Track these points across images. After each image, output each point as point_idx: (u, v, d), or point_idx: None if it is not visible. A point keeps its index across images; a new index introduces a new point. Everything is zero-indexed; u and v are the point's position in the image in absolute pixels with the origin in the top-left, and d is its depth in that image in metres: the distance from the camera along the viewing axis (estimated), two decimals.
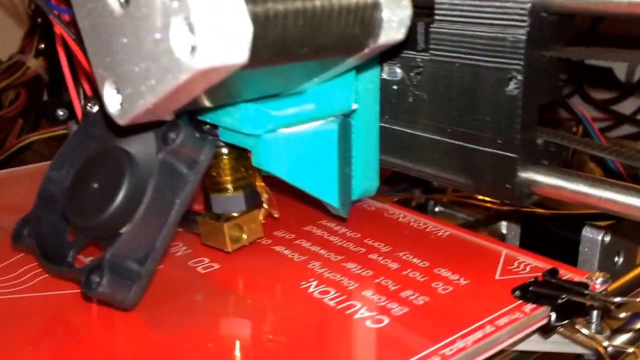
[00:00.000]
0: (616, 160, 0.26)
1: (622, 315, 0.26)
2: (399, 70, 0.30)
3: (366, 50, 0.22)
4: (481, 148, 0.28)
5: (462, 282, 0.27)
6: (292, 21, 0.19)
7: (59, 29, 0.27)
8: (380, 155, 0.32)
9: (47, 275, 0.28)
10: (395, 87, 0.31)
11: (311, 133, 0.27)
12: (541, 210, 0.37)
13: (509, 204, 0.31)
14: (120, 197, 0.26)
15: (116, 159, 0.27)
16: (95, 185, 0.27)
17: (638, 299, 0.27)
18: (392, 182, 0.45)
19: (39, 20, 0.57)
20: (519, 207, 0.28)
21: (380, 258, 0.30)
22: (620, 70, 0.58)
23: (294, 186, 0.27)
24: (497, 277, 0.28)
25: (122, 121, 0.22)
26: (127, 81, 0.21)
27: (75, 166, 0.29)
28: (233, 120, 0.26)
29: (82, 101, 0.36)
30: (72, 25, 0.28)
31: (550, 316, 0.25)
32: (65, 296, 0.27)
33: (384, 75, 0.31)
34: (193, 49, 0.18)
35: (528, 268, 0.28)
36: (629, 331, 0.26)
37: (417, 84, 0.30)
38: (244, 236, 0.30)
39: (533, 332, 0.25)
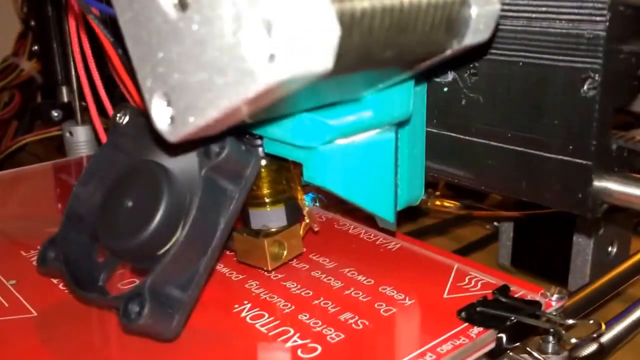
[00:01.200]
0: None
1: (573, 340, 0.24)
2: (450, 71, 0.28)
3: (448, 53, 0.20)
4: (548, 155, 0.26)
5: (407, 302, 0.26)
6: (379, 21, 0.17)
7: (94, 27, 0.24)
8: (428, 162, 0.30)
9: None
10: (446, 89, 0.29)
11: (368, 143, 0.24)
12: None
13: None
14: (158, 217, 0.24)
15: (152, 175, 0.25)
16: (130, 204, 0.25)
17: (590, 321, 0.25)
18: None
19: (32, 23, 0.57)
20: (590, 217, 0.26)
21: (324, 275, 0.28)
22: None
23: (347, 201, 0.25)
24: (445, 295, 0.26)
25: (173, 138, 0.19)
26: (181, 94, 0.18)
27: (104, 181, 0.27)
28: (284, 131, 0.24)
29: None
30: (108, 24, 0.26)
31: (499, 339, 0.24)
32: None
33: (434, 77, 0.29)
34: (271, 57, 0.15)
35: (479, 284, 0.27)
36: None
37: (472, 85, 0.28)
38: (285, 253, 0.28)
39: (480, 358, 0.24)
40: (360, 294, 0.27)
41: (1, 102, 0.61)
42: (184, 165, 0.25)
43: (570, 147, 0.25)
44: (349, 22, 0.16)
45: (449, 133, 0.30)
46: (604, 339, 0.26)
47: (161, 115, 0.19)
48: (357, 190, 0.25)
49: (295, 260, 0.29)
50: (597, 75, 0.24)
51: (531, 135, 0.26)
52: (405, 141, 0.29)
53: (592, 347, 0.25)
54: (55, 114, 0.53)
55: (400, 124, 0.27)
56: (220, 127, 0.19)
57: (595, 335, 0.25)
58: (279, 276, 0.28)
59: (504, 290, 0.26)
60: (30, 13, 0.58)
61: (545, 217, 0.36)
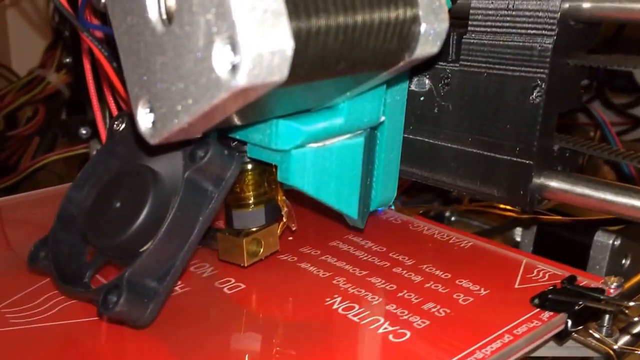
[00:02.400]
0: (630, 163, 0.27)
1: (636, 319, 0.27)
2: (427, 82, 0.31)
3: (401, 64, 0.22)
4: (499, 156, 0.29)
5: (483, 292, 0.28)
6: (333, 37, 0.19)
7: (89, 44, 0.27)
8: (402, 165, 0.32)
9: (63, 304, 0.28)
10: (422, 98, 0.31)
11: (339, 147, 0.27)
12: (554, 217, 0.38)
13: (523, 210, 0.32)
14: (143, 215, 0.26)
15: (140, 177, 0.27)
16: (118, 204, 0.27)
17: None
18: (410, 193, 0.45)
19: (66, 33, 0.54)
20: (530, 212, 0.28)
21: (404, 271, 0.30)
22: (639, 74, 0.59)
23: (315, 199, 0.27)
24: (516, 285, 0.28)
25: (153, 140, 0.22)
26: (162, 100, 0.21)
27: (97, 185, 0.29)
28: (263, 136, 0.26)
29: (107, 120, 0.35)
30: (104, 41, 0.28)
31: (566, 322, 0.26)
32: (81, 324, 0.27)
33: (412, 87, 0.31)
34: (234, 67, 0.18)
35: (547, 276, 0.29)
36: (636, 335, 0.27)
37: (444, 94, 0.30)
38: (261, 250, 0.30)
39: (549, 339, 0.26)
40: (440, 286, 0.28)
41: (24, 117, 0.58)
42: (172, 169, 0.27)
43: (517, 148, 0.28)
44: (305, 38, 0.19)
45: (421, 138, 0.32)
46: None
47: (144, 119, 0.22)
48: (326, 190, 0.27)
49: (376, 258, 0.31)
50: (543, 83, 0.26)
51: (488, 138, 0.29)
52: (383, 146, 0.31)
53: None
54: (84, 132, 0.51)
55: (374, 129, 0.29)
56: (195, 130, 0.21)
57: None
58: (364, 273, 0.30)
59: (571, 279, 0.28)
60: (62, 22, 0.54)
61: (565, 226, 0.38)
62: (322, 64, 0.20)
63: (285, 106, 0.24)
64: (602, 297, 0.26)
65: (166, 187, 0.26)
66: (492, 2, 0.28)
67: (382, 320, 0.26)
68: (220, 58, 0.18)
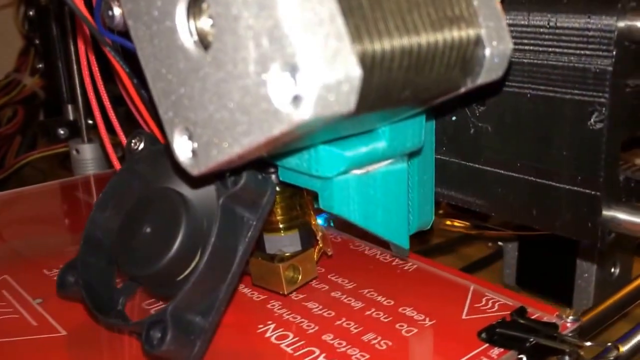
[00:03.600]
0: None
1: None
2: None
3: (462, 90, 0.21)
4: (557, 185, 0.27)
5: (428, 322, 0.26)
6: (398, 62, 0.17)
7: (111, 59, 0.25)
8: (438, 188, 0.31)
9: None
10: (453, 117, 0.30)
11: (382, 173, 0.25)
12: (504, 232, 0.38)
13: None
14: (177, 243, 0.25)
15: (170, 202, 0.26)
16: (148, 230, 0.26)
17: (608, 344, 0.26)
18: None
19: (36, 41, 0.57)
20: (600, 246, 0.26)
21: (344, 296, 0.29)
22: None
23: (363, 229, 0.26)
24: (464, 316, 0.27)
25: (195, 171, 0.20)
26: (204, 129, 0.19)
27: (121, 206, 0.28)
28: (300, 161, 0.24)
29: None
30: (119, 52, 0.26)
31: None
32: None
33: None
34: (296, 98, 0.16)
35: (496, 306, 0.27)
36: None
37: (480, 115, 0.29)
38: (300, 277, 0.29)
39: None
40: (381, 314, 0.27)
41: (4, 118, 0.62)
42: (202, 193, 0.26)
43: (579, 177, 0.26)
44: (370, 64, 0.17)
45: (457, 160, 0.30)
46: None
47: (183, 148, 0.20)
48: (372, 218, 0.25)
49: (314, 281, 0.30)
50: (604, 108, 0.24)
51: (540, 165, 0.27)
52: (415, 168, 0.29)
53: None
54: (62, 132, 0.54)
55: (412, 154, 0.27)
56: (241, 161, 0.20)
57: (612, 357, 0.26)
58: (300, 296, 0.29)
59: (521, 311, 0.26)
60: (33, 31, 0.58)
61: (550, 237, 0.37)
62: (387, 92, 0.18)
63: (334, 133, 0.22)
64: (555, 334, 0.25)
65: (197, 213, 0.25)
66: (526, 19, 0.26)
67: (318, 352, 0.24)
68: (279, 88, 0.16)
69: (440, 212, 0.43)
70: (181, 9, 0.19)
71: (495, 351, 0.24)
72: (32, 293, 0.29)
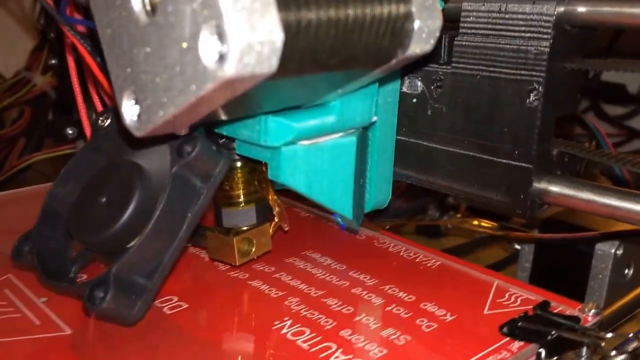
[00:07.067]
0: (631, 169, 0.26)
1: (613, 353, 0.24)
2: (419, 84, 0.30)
3: (393, 62, 0.22)
4: (497, 159, 0.28)
5: (449, 318, 0.26)
6: (324, 31, 0.19)
7: (72, 39, 0.26)
8: (396, 167, 0.32)
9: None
10: (414, 100, 0.31)
11: (330, 145, 0.26)
12: (530, 235, 0.37)
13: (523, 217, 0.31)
14: (130, 210, 0.25)
15: (127, 173, 0.26)
16: (104, 200, 0.26)
17: (630, 334, 0.25)
18: (407, 196, 0.44)
19: (52, 35, 0.54)
20: (531, 218, 0.27)
21: (364, 292, 0.28)
22: (632, 86, 0.59)
23: (307, 198, 0.27)
24: (485, 311, 0.26)
25: (138, 133, 0.21)
26: (147, 92, 0.20)
27: (82, 181, 0.28)
28: (252, 132, 0.25)
29: (93, 116, 0.35)
30: (87, 36, 0.28)
31: (538, 354, 0.24)
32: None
33: (404, 89, 0.31)
34: (221, 57, 0.17)
35: (519, 300, 0.27)
36: None
37: (437, 96, 0.30)
38: (253, 249, 0.30)
39: None
40: (402, 310, 0.26)
41: (9, 119, 0.58)
42: (159, 164, 0.26)
43: (516, 152, 0.27)
44: (295, 30, 0.18)
45: (415, 140, 0.31)
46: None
47: (129, 112, 0.21)
48: (318, 188, 0.26)
49: (335, 277, 0.30)
50: (540, 87, 0.25)
51: (484, 141, 0.28)
52: (376, 147, 0.30)
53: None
54: (70, 132, 0.50)
55: (366, 129, 0.28)
56: (181, 123, 0.21)
57: (631, 349, 0.25)
58: (319, 293, 0.28)
59: (544, 305, 0.26)
60: (48, 25, 0.55)
61: (566, 239, 0.37)
62: (313, 58, 0.19)
63: (274, 101, 0.24)
64: (577, 327, 0.25)
65: (153, 183, 0.26)
66: (484, 5, 0.28)
67: (335, 347, 0.24)
68: (208, 47, 0.18)
69: (458, 215, 0.44)
70: None
71: (516, 345, 0.24)
72: (37, 292, 0.28)
